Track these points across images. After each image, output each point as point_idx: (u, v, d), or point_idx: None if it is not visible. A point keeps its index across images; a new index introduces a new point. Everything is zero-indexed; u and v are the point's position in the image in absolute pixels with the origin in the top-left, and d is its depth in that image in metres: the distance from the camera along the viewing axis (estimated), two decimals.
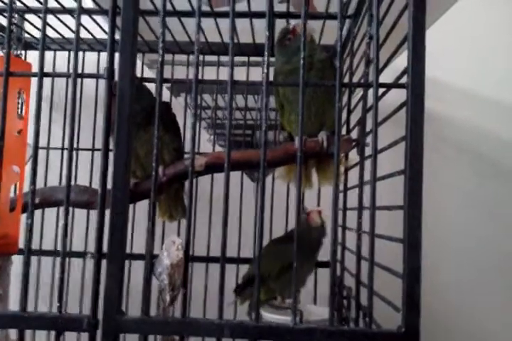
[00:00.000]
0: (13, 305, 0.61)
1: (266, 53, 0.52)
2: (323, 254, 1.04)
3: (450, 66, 1.19)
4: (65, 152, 1.07)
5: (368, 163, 0.64)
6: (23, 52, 1.03)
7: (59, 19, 0.89)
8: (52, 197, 0.78)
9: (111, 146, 0.51)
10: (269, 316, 0.84)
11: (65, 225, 0.50)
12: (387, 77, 0.60)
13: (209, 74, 1.07)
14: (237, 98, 1.10)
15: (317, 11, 0.88)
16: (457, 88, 1.19)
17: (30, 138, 1.01)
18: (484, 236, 1.17)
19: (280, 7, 0.91)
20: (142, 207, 0.99)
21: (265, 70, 0.52)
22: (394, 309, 0.51)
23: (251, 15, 0.88)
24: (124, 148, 0.51)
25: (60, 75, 0.55)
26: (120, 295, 0.48)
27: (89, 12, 0.84)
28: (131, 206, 0.99)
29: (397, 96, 0.56)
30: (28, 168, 0.99)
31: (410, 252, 0.48)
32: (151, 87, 0.91)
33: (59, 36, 1.00)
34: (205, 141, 1.15)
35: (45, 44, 0.53)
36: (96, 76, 0.53)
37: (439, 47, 1.14)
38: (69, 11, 0.86)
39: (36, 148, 0.52)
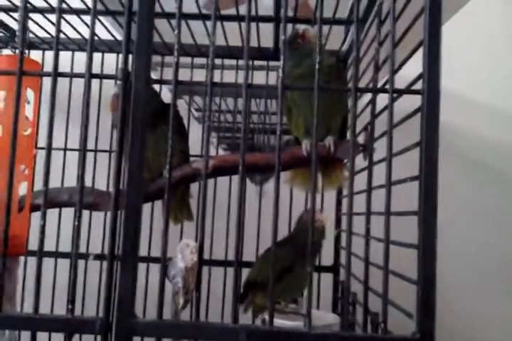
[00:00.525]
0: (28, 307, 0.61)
1: (282, 57, 0.52)
2: (327, 259, 1.04)
3: (452, 74, 1.20)
4: (68, 153, 1.06)
5: (375, 169, 0.65)
6: (26, 51, 1.02)
7: (65, 20, 0.88)
8: (56, 198, 0.78)
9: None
10: (277, 321, 0.84)
11: (78, 227, 0.50)
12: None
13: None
14: (239, 101, 1.10)
15: (324, 16, 0.88)
16: (459, 96, 1.20)
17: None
18: (485, 242, 1.18)
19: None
20: (157, 210, 0.99)
21: (280, 74, 0.53)
22: (406, 315, 0.51)
23: (258, 19, 0.88)
24: (138, 149, 0.51)
25: (76, 75, 0.55)
26: (133, 297, 0.48)
27: (100, 13, 0.84)
28: (149, 208, 0.99)
29: (405, 102, 0.56)
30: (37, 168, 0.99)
31: (425, 258, 0.48)
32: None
33: (63, 36, 0.99)
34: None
35: (58, 44, 0.53)
36: (111, 77, 0.53)
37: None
38: (76, 12, 0.86)
39: (49, 149, 0.52)
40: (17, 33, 0.96)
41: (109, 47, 1.02)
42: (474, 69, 1.21)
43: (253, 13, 0.86)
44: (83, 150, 0.51)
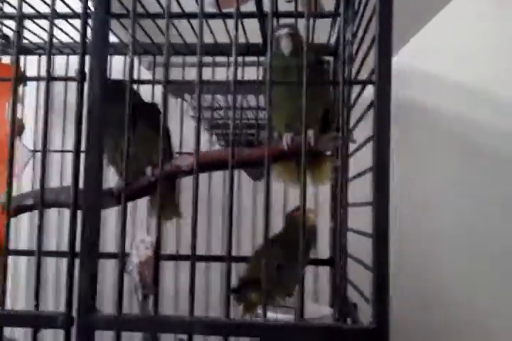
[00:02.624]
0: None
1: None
2: (324, 252, 1.04)
3: (444, 59, 1.18)
4: (53, 154, 1.08)
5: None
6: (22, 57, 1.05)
7: (56, 26, 0.89)
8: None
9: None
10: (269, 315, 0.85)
11: (40, 226, 0.51)
12: None
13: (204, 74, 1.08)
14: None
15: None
16: (451, 81, 1.19)
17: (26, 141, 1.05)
18: (483, 226, 1.16)
19: (287, 6, 0.90)
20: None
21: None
22: (366, 301, 0.51)
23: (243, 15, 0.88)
24: (96, 150, 0.52)
25: (38, 79, 0.56)
26: (93, 293, 0.49)
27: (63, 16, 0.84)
28: (130, 204, 1.00)
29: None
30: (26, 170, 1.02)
31: (378, 246, 0.47)
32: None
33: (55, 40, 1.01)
34: (205, 142, 1.16)
35: (52, 48, 0.54)
36: (67, 79, 0.54)
37: (436, 41, 1.14)
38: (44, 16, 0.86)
39: (44, 151, 0.53)
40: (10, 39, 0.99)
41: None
42: (471, 56, 1.19)
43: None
44: (76, 152, 0.53)
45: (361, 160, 0.64)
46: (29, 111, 1.06)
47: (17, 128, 0.99)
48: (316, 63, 0.79)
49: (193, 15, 0.89)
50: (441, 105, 1.17)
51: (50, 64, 0.53)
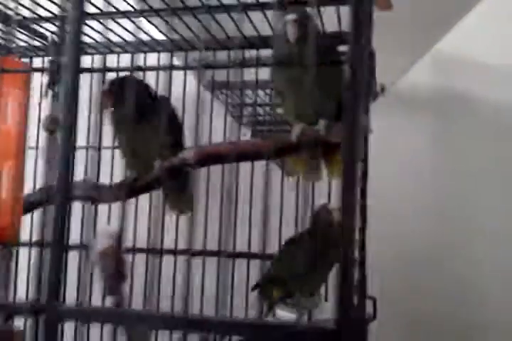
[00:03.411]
0: None
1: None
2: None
3: (490, 46, 1.09)
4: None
5: None
6: None
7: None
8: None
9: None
10: (281, 313, 0.83)
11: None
12: None
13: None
14: None
15: None
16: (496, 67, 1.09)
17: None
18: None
19: None
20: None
21: None
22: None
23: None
24: (67, 146, 0.52)
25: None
26: (59, 284, 0.49)
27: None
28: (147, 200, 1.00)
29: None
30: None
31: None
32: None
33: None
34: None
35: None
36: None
37: (482, 27, 1.06)
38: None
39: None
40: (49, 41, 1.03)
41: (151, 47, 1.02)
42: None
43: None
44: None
45: None
46: None
47: (52, 125, 1.04)
48: (327, 52, 0.75)
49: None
50: (485, 94, 1.08)
51: None
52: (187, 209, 0.89)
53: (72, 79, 0.52)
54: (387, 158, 1.08)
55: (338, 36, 0.94)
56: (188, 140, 0.90)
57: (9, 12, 0.80)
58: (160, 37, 0.98)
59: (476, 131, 1.08)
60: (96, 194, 0.82)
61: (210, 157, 0.75)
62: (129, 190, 0.79)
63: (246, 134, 1.19)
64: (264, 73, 0.95)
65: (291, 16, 0.72)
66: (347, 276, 0.43)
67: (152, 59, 1.02)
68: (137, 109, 0.75)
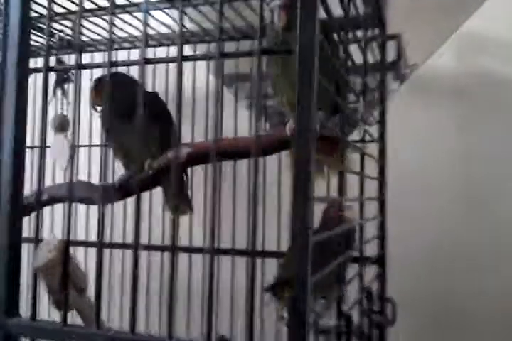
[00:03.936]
0: None
1: None
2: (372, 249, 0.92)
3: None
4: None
5: None
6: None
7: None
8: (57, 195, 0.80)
9: None
10: None
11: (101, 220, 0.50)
12: None
13: None
14: None
15: None
16: None
17: None
18: None
19: None
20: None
21: None
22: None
23: None
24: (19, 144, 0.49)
25: None
26: (12, 296, 0.47)
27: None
28: (147, 197, 0.96)
29: None
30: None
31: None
32: None
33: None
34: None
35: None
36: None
37: None
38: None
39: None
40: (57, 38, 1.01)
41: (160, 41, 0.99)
42: None
43: None
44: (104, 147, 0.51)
45: None
46: None
47: (61, 124, 1.02)
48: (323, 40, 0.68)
49: None
50: (510, 77, 0.97)
51: None
52: (186, 210, 0.85)
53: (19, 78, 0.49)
54: (409, 144, 1.01)
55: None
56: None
57: None
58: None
59: (502, 115, 0.98)
60: (87, 195, 0.80)
61: (201, 155, 0.71)
62: (122, 190, 0.76)
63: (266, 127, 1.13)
64: None
65: (278, 2, 0.67)
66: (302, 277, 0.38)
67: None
68: (125, 106, 0.72)
